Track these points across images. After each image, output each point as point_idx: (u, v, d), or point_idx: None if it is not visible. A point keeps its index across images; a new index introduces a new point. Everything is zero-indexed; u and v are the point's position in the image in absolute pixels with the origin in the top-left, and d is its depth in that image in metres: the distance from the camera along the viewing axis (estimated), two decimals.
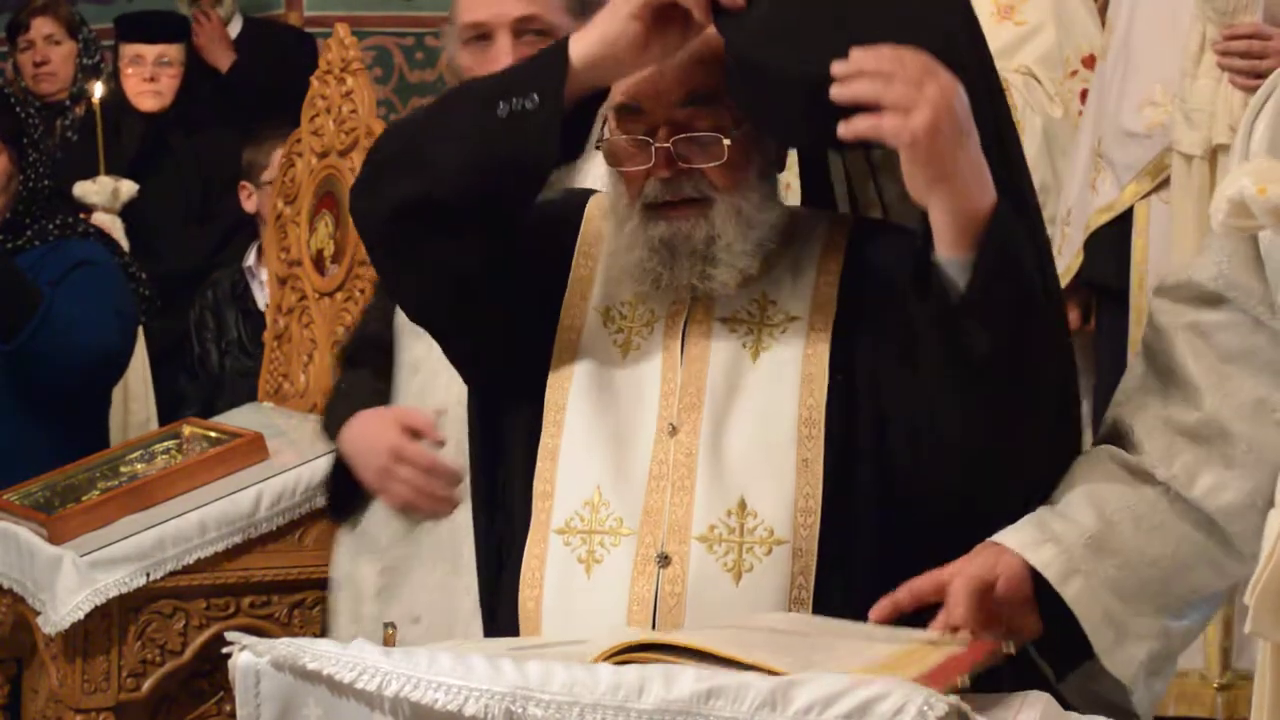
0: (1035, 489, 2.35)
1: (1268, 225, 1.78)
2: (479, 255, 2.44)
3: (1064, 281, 4.09)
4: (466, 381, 2.64)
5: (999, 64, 4.45)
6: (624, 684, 1.89)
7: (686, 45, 2.39)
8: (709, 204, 2.41)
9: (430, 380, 3.18)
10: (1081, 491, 2.30)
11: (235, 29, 7.25)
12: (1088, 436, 2.53)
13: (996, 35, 4.47)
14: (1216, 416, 2.28)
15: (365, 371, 3.28)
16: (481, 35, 3.08)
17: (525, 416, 2.50)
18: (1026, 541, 2.25)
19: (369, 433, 2.95)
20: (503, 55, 3.02)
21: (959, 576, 2.21)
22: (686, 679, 1.89)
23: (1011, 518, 2.31)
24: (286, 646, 1.99)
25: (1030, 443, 2.31)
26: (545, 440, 2.46)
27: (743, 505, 2.38)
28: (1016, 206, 2.30)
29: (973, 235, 2.21)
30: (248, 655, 2.01)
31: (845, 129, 2.20)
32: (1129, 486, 2.30)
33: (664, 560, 2.36)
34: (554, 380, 2.48)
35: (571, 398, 2.47)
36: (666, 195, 2.41)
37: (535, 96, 2.37)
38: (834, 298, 2.44)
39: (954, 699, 1.87)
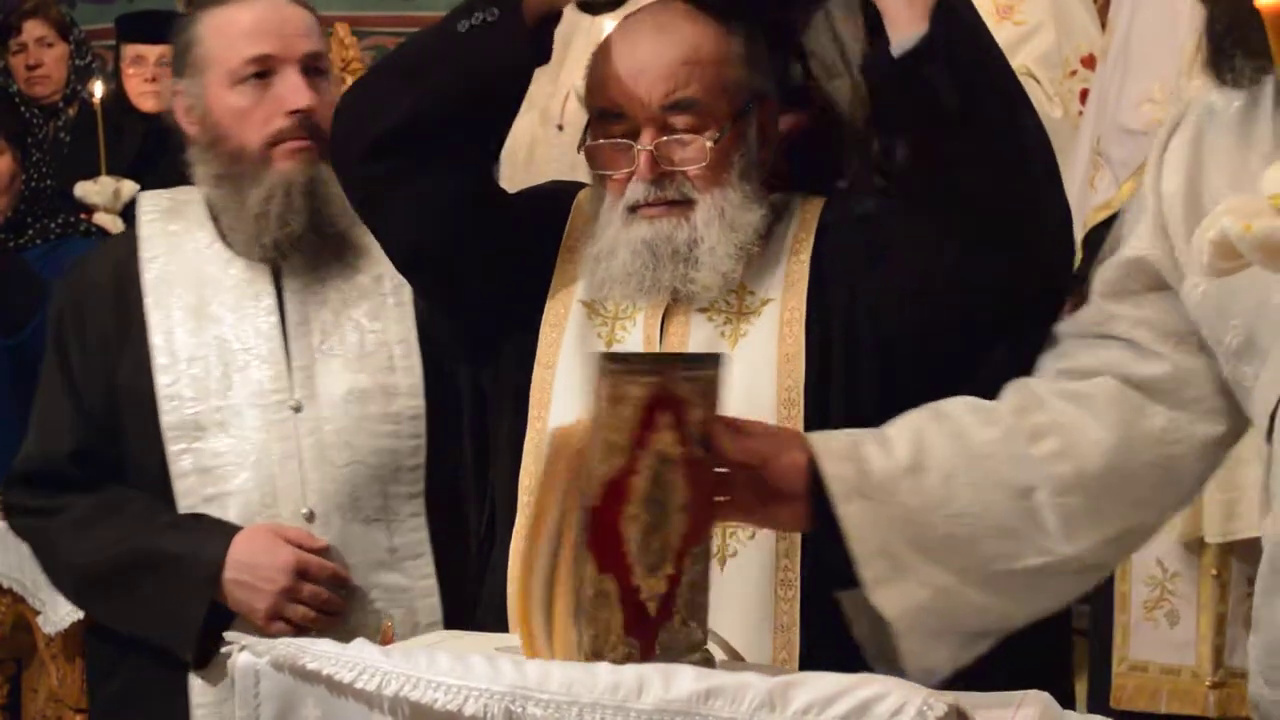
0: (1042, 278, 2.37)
1: (1256, 261, 1.77)
2: (462, 187, 2.47)
3: None
4: (458, 356, 2.68)
5: None
6: (623, 683, 1.89)
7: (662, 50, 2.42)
8: (691, 206, 2.43)
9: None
10: (911, 428, 2.27)
11: None
12: None
13: (995, 35, 4.45)
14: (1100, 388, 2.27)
15: (115, 490, 2.93)
16: (264, 71, 2.90)
17: (510, 414, 2.52)
18: (831, 449, 2.23)
19: (258, 556, 2.80)
20: (294, 92, 2.88)
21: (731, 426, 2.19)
22: (685, 679, 1.89)
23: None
24: (286, 646, 1.99)
25: (1031, 205, 2.33)
26: (530, 436, 2.48)
27: None
28: None
29: (927, 6, 2.29)
30: (247, 655, 2.01)
31: None
32: (961, 437, 2.26)
33: None
34: (538, 375, 2.49)
35: (555, 392, 2.48)
36: (649, 197, 2.42)
37: (492, 10, 2.41)
38: (805, 274, 2.45)
39: (953, 698, 1.87)
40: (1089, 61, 4.53)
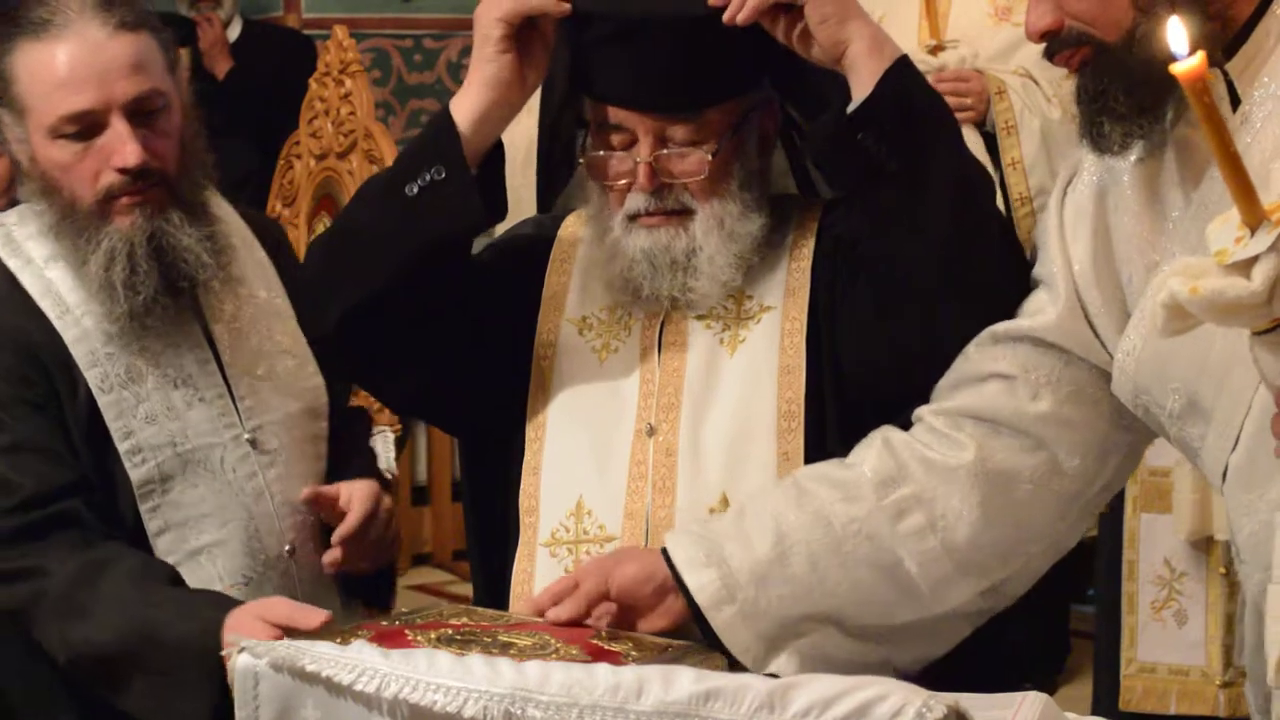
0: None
1: (1208, 320, 1.78)
2: (437, 331, 2.44)
3: None
4: (461, 436, 2.66)
5: (997, 65, 4.49)
6: (623, 685, 1.89)
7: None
8: (690, 215, 2.42)
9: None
10: (771, 514, 2.30)
11: (235, 32, 7.23)
12: None
13: (995, 36, 4.47)
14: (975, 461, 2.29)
15: (110, 548, 2.55)
16: (86, 127, 2.55)
17: (509, 439, 2.51)
18: (692, 559, 2.27)
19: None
20: (120, 147, 2.54)
21: (591, 579, 2.27)
22: (685, 680, 1.89)
23: None
24: (285, 648, 1.99)
25: (984, 261, 2.30)
26: (528, 457, 2.47)
27: (725, 502, 2.39)
28: None
29: (888, 62, 2.27)
30: (246, 656, 2.00)
31: (746, 9, 2.27)
32: (822, 518, 2.29)
33: None
34: (534, 398, 2.49)
35: (552, 412, 2.47)
36: (649, 207, 2.41)
37: (439, 168, 2.37)
38: (806, 283, 2.45)
39: (953, 700, 1.87)
40: None
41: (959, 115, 4.31)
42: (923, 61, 4.39)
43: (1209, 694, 4.07)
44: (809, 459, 2.38)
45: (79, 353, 2.59)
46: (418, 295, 2.40)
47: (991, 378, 2.29)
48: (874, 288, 2.34)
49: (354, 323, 2.42)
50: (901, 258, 2.29)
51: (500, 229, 6.21)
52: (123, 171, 2.55)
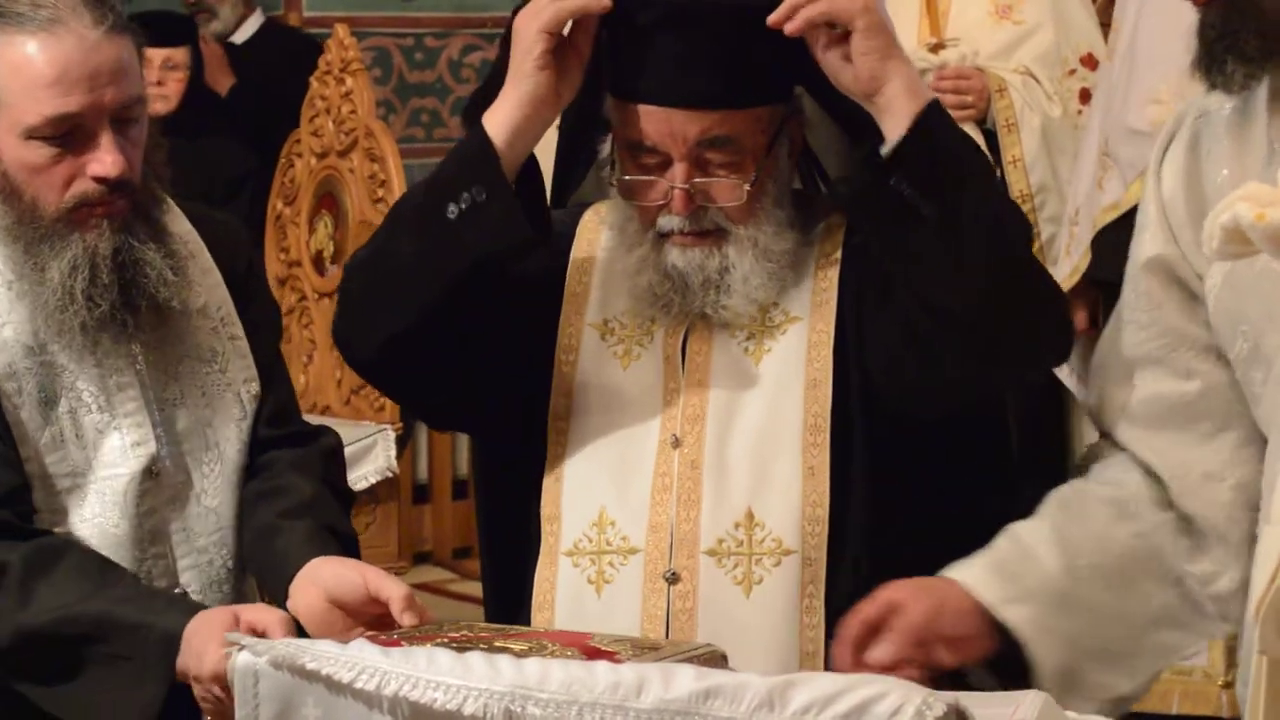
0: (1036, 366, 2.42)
1: (1266, 251, 1.77)
2: (477, 346, 2.40)
3: (1073, 281, 4.09)
4: (489, 440, 2.61)
5: (998, 64, 4.49)
6: (623, 683, 1.89)
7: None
8: (725, 236, 2.37)
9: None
10: (1052, 532, 2.28)
11: (249, 30, 7.11)
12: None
13: (995, 34, 4.47)
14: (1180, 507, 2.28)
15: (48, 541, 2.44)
16: (68, 131, 2.41)
17: (528, 441, 2.47)
18: (997, 599, 2.23)
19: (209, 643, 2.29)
20: (103, 157, 2.41)
21: (906, 617, 2.21)
22: (685, 678, 1.89)
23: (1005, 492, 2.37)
24: (285, 646, 1.99)
25: (1019, 303, 2.28)
26: (549, 463, 2.44)
27: (750, 516, 2.36)
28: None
29: (922, 105, 2.24)
30: (246, 655, 2.01)
31: (796, 20, 2.24)
32: (1101, 536, 2.28)
33: (673, 577, 2.35)
34: (555, 402, 2.45)
35: (574, 418, 2.44)
36: (683, 228, 2.37)
37: (479, 188, 2.31)
38: (833, 298, 2.42)
39: (952, 698, 1.87)
40: (1088, 61, 4.54)
41: (960, 113, 4.33)
42: (923, 59, 4.39)
43: (1212, 694, 4.07)
44: (834, 473, 2.35)
45: None
46: (462, 316, 2.35)
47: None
48: (904, 322, 2.32)
49: (397, 348, 2.38)
50: (933, 299, 2.27)
51: None
52: (100, 181, 2.42)
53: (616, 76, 2.39)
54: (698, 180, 2.35)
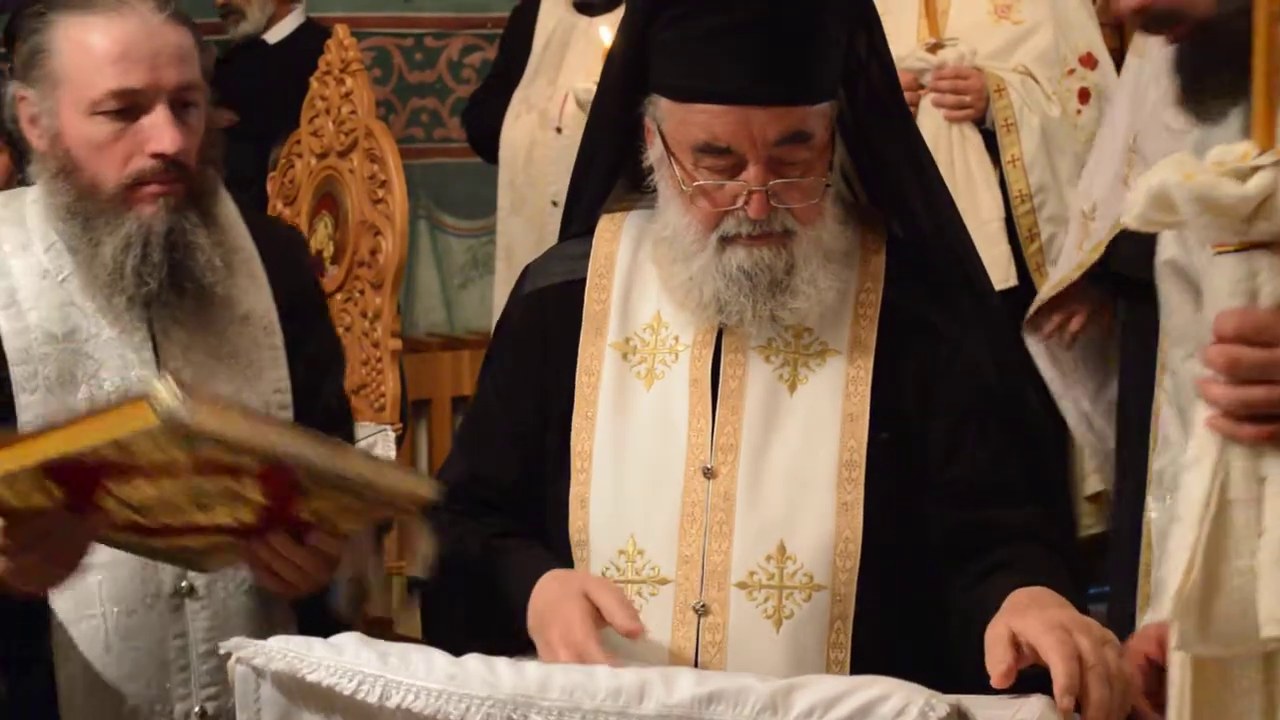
0: None
1: (1187, 216, 1.76)
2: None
3: (1079, 273, 4.07)
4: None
5: (997, 63, 4.48)
6: (624, 689, 1.89)
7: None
8: (791, 236, 2.33)
9: None
10: None
11: (286, 30, 6.98)
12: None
13: (994, 34, 4.46)
14: None
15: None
16: (129, 106, 2.53)
17: (555, 467, 2.44)
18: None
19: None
20: (161, 133, 2.52)
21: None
22: (686, 683, 1.89)
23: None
24: (284, 660, 1.98)
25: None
26: (575, 489, 2.41)
27: (782, 549, 2.33)
28: (937, 225, 2.40)
29: None
30: (246, 665, 2.00)
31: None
32: None
33: (703, 609, 2.32)
34: (578, 426, 2.42)
35: (597, 443, 2.40)
36: (751, 231, 2.32)
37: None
38: (874, 337, 2.38)
39: (955, 700, 1.87)
40: (1087, 60, 4.53)
41: (958, 113, 4.33)
42: (922, 59, 4.39)
43: None
44: (869, 510, 2.32)
45: (12, 346, 2.54)
46: None
47: None
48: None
49: None
50: None
51: (501, 227, 6.16)
52: (158, 157, 2.52)
53: (680, 79, 2.32)
54: (774, 182, 2.30)
